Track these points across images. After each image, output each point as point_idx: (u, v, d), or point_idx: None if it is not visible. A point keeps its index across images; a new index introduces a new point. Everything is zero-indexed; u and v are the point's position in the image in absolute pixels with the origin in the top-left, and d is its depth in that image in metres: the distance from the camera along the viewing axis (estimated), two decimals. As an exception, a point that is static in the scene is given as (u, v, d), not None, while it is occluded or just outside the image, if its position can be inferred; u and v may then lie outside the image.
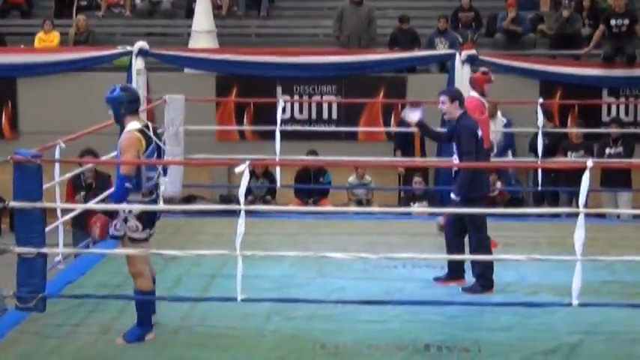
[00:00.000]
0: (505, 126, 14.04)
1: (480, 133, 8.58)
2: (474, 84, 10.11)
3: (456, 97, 8.65)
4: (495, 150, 12.45)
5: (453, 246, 8.65)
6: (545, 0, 18.20)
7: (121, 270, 8.73)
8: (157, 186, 7.35)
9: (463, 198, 8.38)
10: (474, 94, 9.98)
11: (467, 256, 8.52)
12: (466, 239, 8.64)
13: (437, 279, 8.75)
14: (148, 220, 7.19)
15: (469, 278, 8.64)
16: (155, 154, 7.23)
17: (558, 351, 7.06)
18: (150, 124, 7.30)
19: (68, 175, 9.37)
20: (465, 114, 8.64)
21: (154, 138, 7.24)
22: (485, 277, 8.51)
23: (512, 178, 14.53)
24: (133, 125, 7.11)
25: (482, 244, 8.51)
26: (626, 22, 15.48)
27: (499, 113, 14.08)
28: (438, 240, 9.89)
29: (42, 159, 7.26)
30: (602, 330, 7.45)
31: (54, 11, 18.31)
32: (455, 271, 8.71)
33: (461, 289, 8.57)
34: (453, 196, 8.50)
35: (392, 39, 16.60)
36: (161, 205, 7.38)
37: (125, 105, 7.14)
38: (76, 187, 11.42)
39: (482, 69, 10.60)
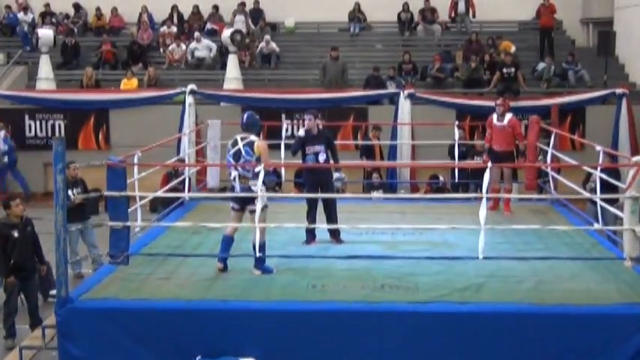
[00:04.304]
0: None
1: None
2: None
3: (316, 116, 8.98)
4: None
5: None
6: (459, 55, 18.20)
7: (179, 237, 8.70)
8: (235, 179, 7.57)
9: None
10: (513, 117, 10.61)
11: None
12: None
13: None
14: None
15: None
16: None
17: (469, 288, 7.08)
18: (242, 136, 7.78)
19: (144, 174, 9.24)
20: (322, 127, 9.00)
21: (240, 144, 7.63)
22: (338, 234, 8.65)
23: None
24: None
25: (335, 211, 8.61)
26: (513, 70, 15.95)
27: None
28: (388, 216, 9.90)
29: (126, 163, 7.28)
30: (498, 274, 7.45)
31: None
32: (330, 233, 8.75)
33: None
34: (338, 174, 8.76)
35: (366, 82, 16.54)
36: (207, 194, 7.33)
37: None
38: (169, 177, 11.59)
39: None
